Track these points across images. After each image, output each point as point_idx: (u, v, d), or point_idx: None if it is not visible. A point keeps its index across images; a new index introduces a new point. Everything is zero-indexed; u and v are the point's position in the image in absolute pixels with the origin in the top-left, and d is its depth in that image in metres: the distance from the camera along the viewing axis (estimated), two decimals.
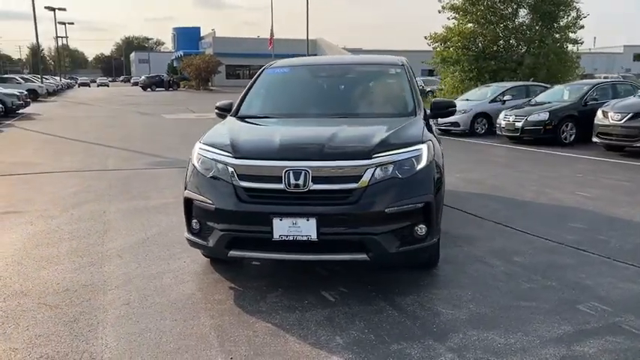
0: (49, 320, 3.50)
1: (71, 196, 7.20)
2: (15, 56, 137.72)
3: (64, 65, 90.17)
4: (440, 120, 14.91)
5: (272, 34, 51.62)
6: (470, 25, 22.77)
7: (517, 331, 3.30)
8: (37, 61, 53.40)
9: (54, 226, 5.70)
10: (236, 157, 3.79)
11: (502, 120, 13.31)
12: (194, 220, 3.90)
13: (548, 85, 16.18)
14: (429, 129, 4.66)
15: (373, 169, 3.63)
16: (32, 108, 24.69)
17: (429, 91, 27.09)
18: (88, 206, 6.59)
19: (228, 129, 4.36)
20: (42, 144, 13.10)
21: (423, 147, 3.88)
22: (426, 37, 26.83)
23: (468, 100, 15.89)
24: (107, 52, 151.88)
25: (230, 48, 59.35)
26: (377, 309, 3.64)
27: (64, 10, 53.30)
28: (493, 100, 15.23)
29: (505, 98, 15.13)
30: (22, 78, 32.77)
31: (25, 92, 23.33)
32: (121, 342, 3.21)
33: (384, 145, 3.77)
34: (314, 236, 3.55)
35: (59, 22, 63.75)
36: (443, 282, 4.14)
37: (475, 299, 3.78)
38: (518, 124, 12.72)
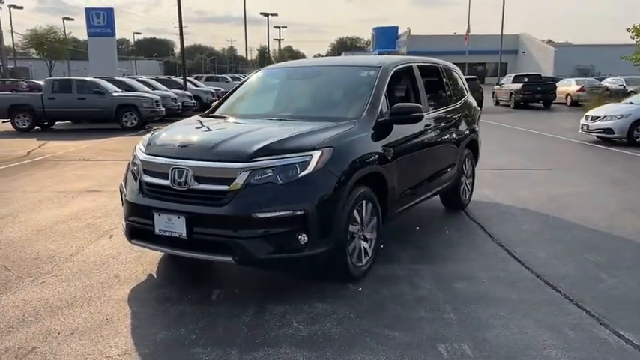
0: None
1: None
2: (248, 58, 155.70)
3: None
4: (591, 126, 13.19)
5: (468, 31, 49.78)
6: None
7: None
8: (262, 62, 59.60)
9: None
10: (146, 154, 4.10)
11: None
12: (123, 209, 4.31)
13: None
14: (382, 135, 4.39)
15: (248, 172, 3.61)
16: None
17: (631, 91, 23.66)
18: None
19: (170, 126, 4.67)
20: None
21: (314, 154, 3.72)
22: (628, 30, 23.71)
23: (632, 103, 13.61)
24: (323, 53, 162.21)
25: (424, 46, 58.68)
26: (238, 312, 3.62)
27: (276, 15, 58.67)
28: None
29: None
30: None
31: (213, 90, 26.28)
32: None
33: (268, 150, 3.70)
34: (184, 234, 3.68)
35: (275, 27, 70.65)
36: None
37: None
38: None
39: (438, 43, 59.19)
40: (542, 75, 31.59)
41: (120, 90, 18.27)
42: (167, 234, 3.76)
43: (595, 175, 8.73)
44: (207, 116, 5.06)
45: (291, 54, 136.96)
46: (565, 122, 18.14)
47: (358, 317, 3.54)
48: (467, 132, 6.27)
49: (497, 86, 29.55)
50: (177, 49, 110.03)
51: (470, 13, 47.09)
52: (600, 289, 4.01)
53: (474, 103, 6.99)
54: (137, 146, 4.33)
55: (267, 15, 57.26)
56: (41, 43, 73.27)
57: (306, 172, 3.66)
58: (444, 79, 6.08)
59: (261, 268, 4.16)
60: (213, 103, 5.35)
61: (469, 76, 28.99)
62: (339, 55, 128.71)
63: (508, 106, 27.11)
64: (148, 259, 4.61)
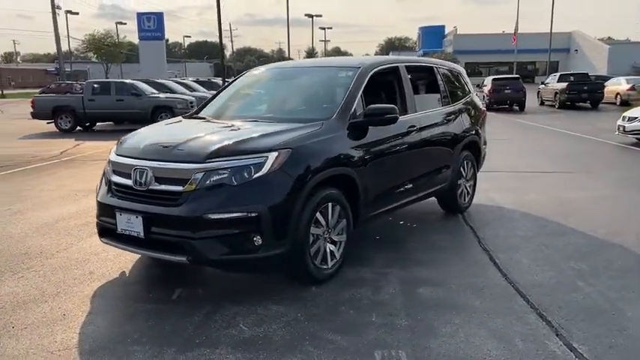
0: None
1: None
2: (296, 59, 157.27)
3: None
4: (627, 127, 12.63)
5: (516, 29, 48.47)
6: None
7: None
8: None
9: None
10: (115, 154, 4.21)
11: None
12: None
13: None
14: (356, 136, 4.34)
15: (202, 173, 3.64)
16: None
17: None
18: None
19: (146, 127, 4.78)
20: None
21: (270, 155, 3.71)
22: None
23: None
24: (372, 53, 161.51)
25: (470, 45, 57.67)
26: (192, 312, 3.66)
27: (320, 16, 58.95)
28: None
29: None
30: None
31: None
32: None
33: (224, 151, 3.73)
34: (142, 233, 3.75)
35: (320, 28, 71.00)
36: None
37: None
38: None
39: (485, 41, 57.87)
40: (591, 74, 30.30)
41: (157, 92, 18.80)
42: (128, 233, 3.84)
43: (620, 179, 8.31)
44: (190, 117, 5.14)
45: (338, 55, 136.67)
46: (607, 123, 17.35)
47: (307, 320, 3.51)
48: (465, 133, 6.10)
49: (543, 86, 28.56)
50: (227, 52, 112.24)
51: (519, 10, 45.48)
52: (571, 298, 3.82)
53: (479, 104, 6.80)
54: (113, 147, 4.45)
55: (311, 16, 57.54)
56: (99, 47, 76.41)
57: (261, 173, 3.66)
58: (439, 80, 5.94)
59: (220, 269, 4.19)
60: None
61: (511, 76, 28.34)
62: (387, 55, 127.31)
63: (553, 106, 26.16)
64: (127, 258, 4.72)
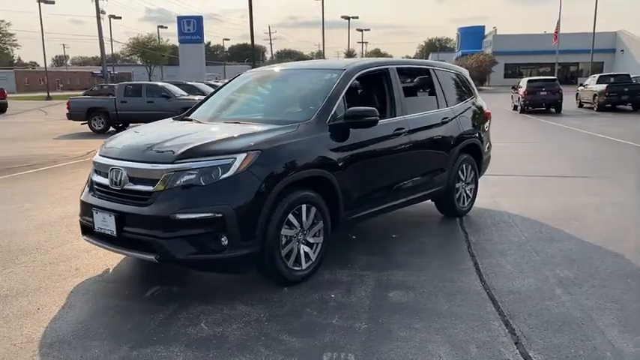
0: None
1: None
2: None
3: None
4: None
5: (557, 28, 47.18)
6: None
7: None
8: None
9: None
10: (98, 154, 4.34)
11: None
12: None
13: None
14: (336, 138, 4.34)
15: (171, 173, 3.72)
16: None
17: None
18: None
19: (131, 128, 4.90)
20: None
21: (238, 157, 3.76)
22: None
23: None
24: (412, 54, 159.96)
25: (510, 45, 56.44)
26: (159, 309, 3.73)
27: (357, 18, 58.95)
28: None
29: None
30: None
31: None
32: None
33: (193, 152, 3.79)
34: (114, 232, 3.86)
35: (357, 29, 70.92)
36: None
37: None
38: None
39: (525, 42, 56.56)
40: (635, 75, 29.16)
41: (186, 94, 19.20)
42: (103, 231, 3.96)
43: (637, 186, 7.98)
44: (181, 119, 5.24)
45: (377, 56, 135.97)
46: None
47: (268, 321, 3.53)
48: (465, 136, 6.00)
49: (581, 87, 27.68)
50: (267, 54, 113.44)
51: (561, 9, 44.18)
52: (544, 306, 3.70)
53: (483, 107, 6.67)
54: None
55: (347, 18, 57.54)
56: (143, 50, 78.66)
57: (228, 174, 3.71)
58: (436, 82, 5.86)
59: (190, 268, 4.25)
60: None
61: (547, 77, 27.55)
62: (427, 56, 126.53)
63: (592, 108, 25.31)
64: (115, 255, 4.81)
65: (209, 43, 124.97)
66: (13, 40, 46.69)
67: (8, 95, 33.90)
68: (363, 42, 70.94)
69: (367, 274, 4.36)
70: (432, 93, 5.83)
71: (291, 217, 4.00)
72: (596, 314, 3.57)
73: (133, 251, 3.90)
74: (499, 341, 3.22)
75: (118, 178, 3.92)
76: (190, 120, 5.06)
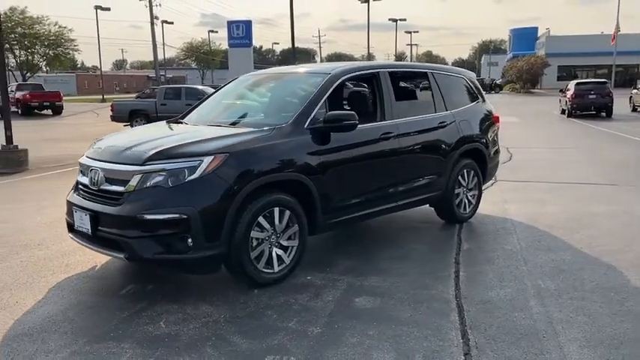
0: None
1: None
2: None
3: None
4: None
5: (617, 29, 45.26)
6: None
7: None
8: None
9: None
10: (85, 155, 4.52)
11: None
12: None
13: None
14: (315, 142, 4.35)
15: (140, 175, 3.83)
16: None
17: None
18: None
19: (121, 131, 5.06)
20: None
21: (205, 159, 3.83)
22: None
23: None
24: (465, 56, 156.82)
25: (565, 47, 54.49)
26: (127, 307, 3.84)
27: (404, 20, 58.51)
28: None
29: None
30: None
31: None
32: None
33: (162, 154, 3.89)
34: (89, 230, 4.01)
35: (406, 32, 70.37)
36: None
37: None
38: None
39: (580, 43, 54.49)
40: None
41: None
42: (80, 229, 4.12)
43: None
44: (175, 122, 5.37)
45: (429, 59, 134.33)
46: None
47: (226, 322, 3.58)
48: (465, 140, 5.86)
49: (635, 91, 26.39)
50: (317, 58, 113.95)
51: (619, 8, 42.33)
52: (510, 317, 3.58)
53: (490, 111, 6.50)
54: None
55: (395, 21, 57.18)
56: (196, 54, 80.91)
57: (194, 176, 3.78)
58: (433, 86, 5.75)
59: (160, 267, 4.35)
60: None
61: (597, 80, 26.41)
62: (479, 58, 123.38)
63: None
64: None
65: (261, 47, 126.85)
66: (75, 46, 48.73)
67: (70, 97, 35.57)
68: (411, 44, 69.76)
69: (342, 279, 4.33)
70: (430, 97, 5.73)
71: (261, 219, 4.03)
72: (562, 327, 3.42)
73: (106, 249, 4.03)
74: (447, 351, 3.14)
75: (96, 179, 4.08)
76: (181, 123, 5.18)
